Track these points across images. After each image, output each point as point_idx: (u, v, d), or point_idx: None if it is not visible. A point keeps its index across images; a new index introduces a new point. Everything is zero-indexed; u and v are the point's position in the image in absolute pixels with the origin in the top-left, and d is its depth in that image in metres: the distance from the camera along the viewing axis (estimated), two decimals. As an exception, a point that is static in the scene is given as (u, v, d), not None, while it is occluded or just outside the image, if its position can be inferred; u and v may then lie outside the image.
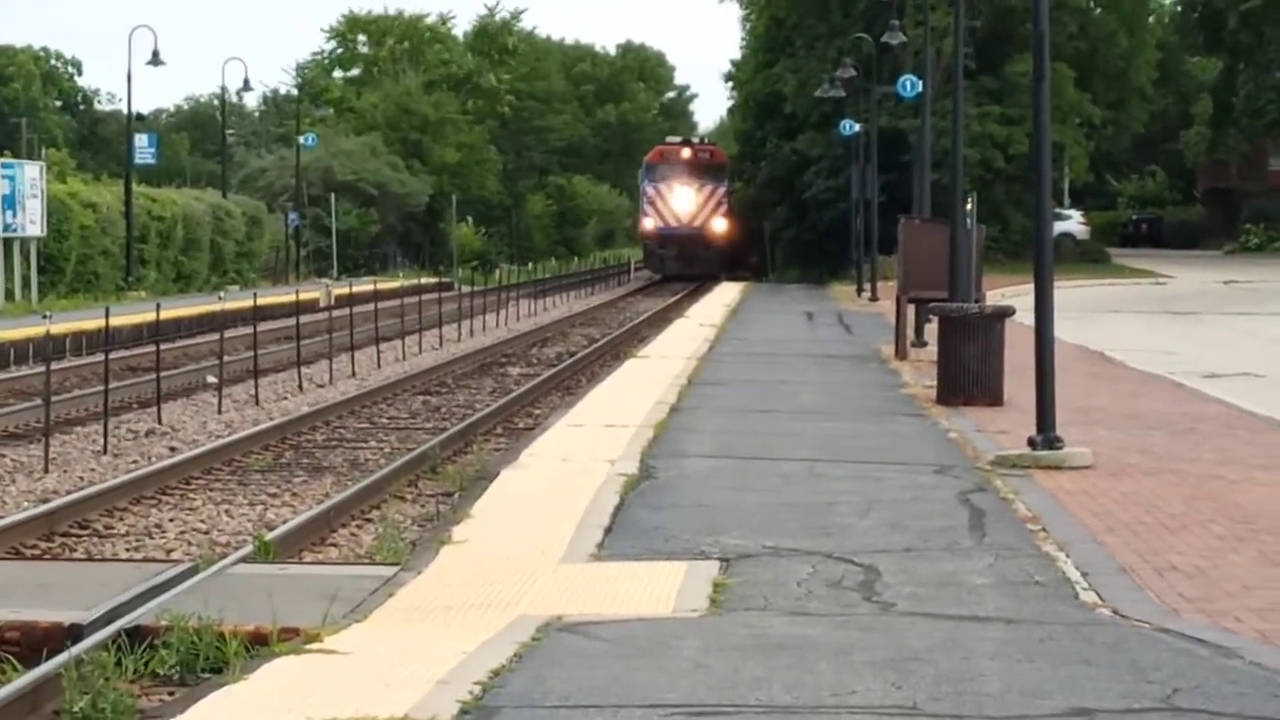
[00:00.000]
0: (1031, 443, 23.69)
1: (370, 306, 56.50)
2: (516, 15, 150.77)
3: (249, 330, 41.71)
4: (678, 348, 42.99)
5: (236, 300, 55.12)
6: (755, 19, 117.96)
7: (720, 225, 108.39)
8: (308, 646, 12.76)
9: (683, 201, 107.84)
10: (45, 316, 39.92)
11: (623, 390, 32.82)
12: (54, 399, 28.92)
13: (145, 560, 18.51)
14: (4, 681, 12.86)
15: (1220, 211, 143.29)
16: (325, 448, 29.34)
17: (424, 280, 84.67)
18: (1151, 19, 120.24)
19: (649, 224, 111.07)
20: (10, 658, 13.53)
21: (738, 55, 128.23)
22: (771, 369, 38.47)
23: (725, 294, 74.08)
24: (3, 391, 35.65)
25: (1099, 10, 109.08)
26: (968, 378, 31.05)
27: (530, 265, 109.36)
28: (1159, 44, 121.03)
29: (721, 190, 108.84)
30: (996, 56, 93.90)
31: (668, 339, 46.51)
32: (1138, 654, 12.81)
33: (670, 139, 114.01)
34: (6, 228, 57.46)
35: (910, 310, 42.20)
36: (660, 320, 54.86)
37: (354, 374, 41.69)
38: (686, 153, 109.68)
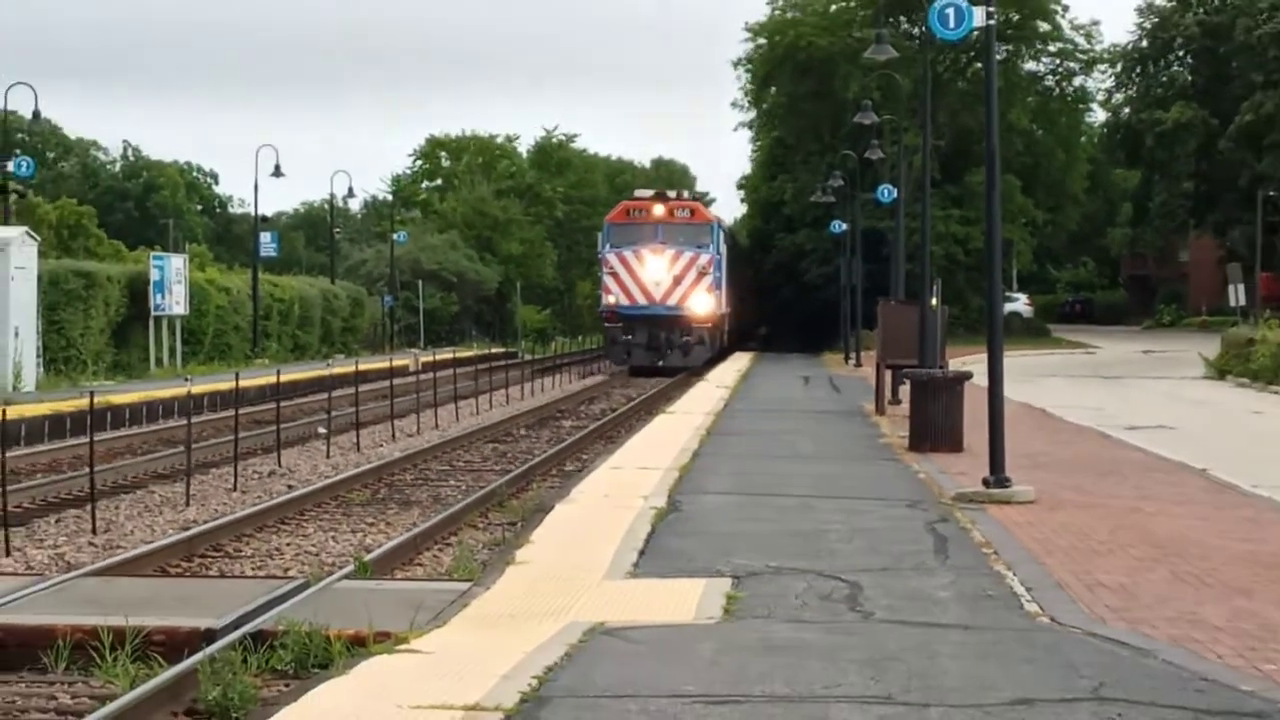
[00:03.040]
0: (985, 482, 23.64)
1: (450, 371, 56.48)
2: (570, 137, 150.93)
3: (352, 390, 41.64)
4: (699, 405, 42.92)
5: (341, 366, 55.01)
6: (762, 140, 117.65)
7: (704, 303, 67.42)
8: (398, 647, 12.76)
9: (654, 272, 66.69)
10: (187, 380, 39.96)
11: (654, 439, 32.76)
12: (194, 446, 28.94)
13: (267, 577, 18.51)
14: (152, 675, 12.86)
15: (1139, 294, 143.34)
16: (413, 485, 29.29)
17: (493, 350, 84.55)
18: (1083, 139, 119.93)
19: (610, 301, 68.95)
20: (158, 656, 13.54)
21: (748, 169, 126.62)
22: (775, 422, 38.40)
23: (738, 361, 73.45)
24: (153, 440, 35.66)
25: (1040, 132, 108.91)
26: (934, 429, 30.98)
27: (580, 338, 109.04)
28: (1089, 159, 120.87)
29: (705, 258, 67.42)
30: (957, 169, 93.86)
31: (691, 398, 46.43)
32: (1071, 654, 12.79)
33: (640, 192, 73.97)
34: (156, 308, 57.49)
35: (888, 375, 42.15)
36: (684, 384, 54.76)
37: (436, 426, 41.63)
38: (659, 209, 68.33)
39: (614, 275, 68.34)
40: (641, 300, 67.15)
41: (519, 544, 18.81)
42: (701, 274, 67.59)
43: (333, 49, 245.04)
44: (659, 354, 67.32)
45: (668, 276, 67.32)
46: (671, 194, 71.91)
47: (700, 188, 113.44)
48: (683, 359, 67.05)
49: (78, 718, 11.88)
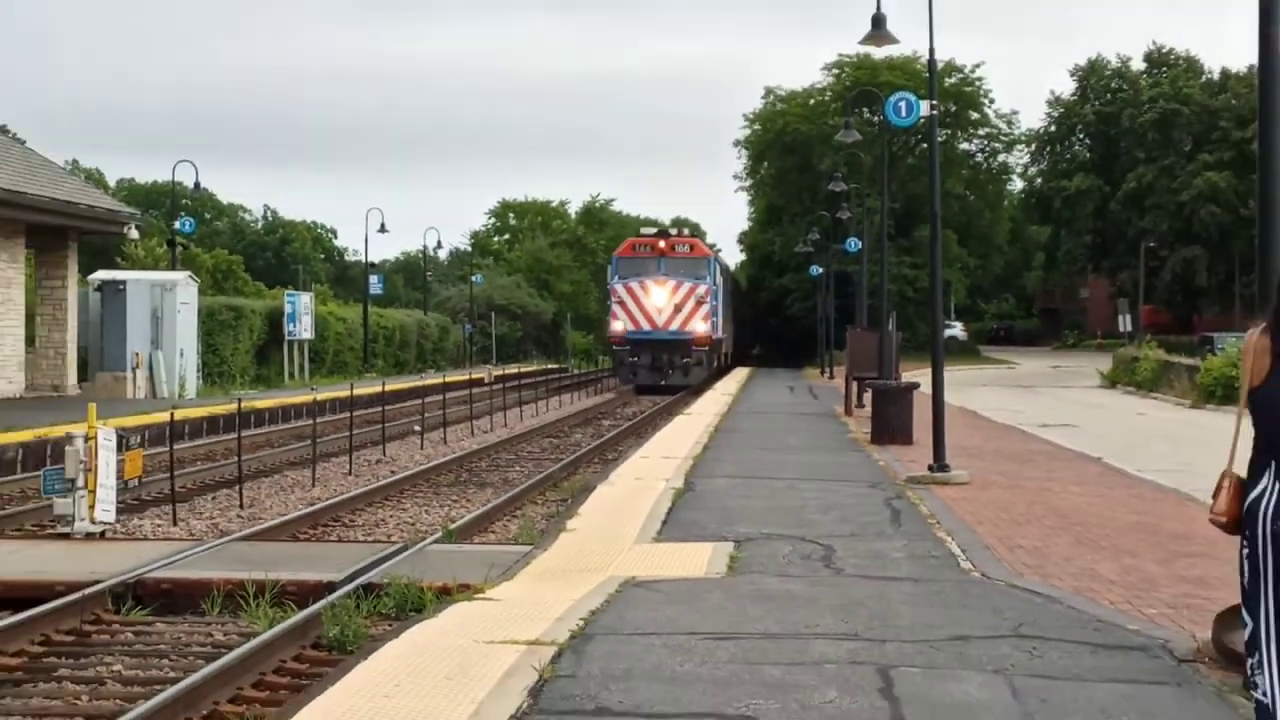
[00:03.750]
0: (930, 468, 23.59)
1: (516, 383, 56.46)
2: (609, 201, 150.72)
3: (440, 397, 41.70)
4: (709, 408, 42.92)
5: (431, 379, 55.14)
6: (757, 203, 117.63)
7: (701, 328, 62.10)
8: (475, 596, 12.77)
9: (657, 301, 61.97)
10: (312, 389, 39.95)
11: (674, 435, 32.78)
12: (318, 440, 28.96)
13: (374, 541, 18.52)
14: (285, 618, 12.88)
15: (1049, 322, 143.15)
16: (487, 471, 29.31)
17: (549, 366, 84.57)
18: (1005, 202, 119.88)
19: (618, 327, 63.59)
20: (290, 603, 13.56)
21: (746, 225, 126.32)
22: (767, 422, 38.38)
23: (738, 375, 73.32)
24: (287, 435, 35.73)
25: (972, 197, 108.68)
26: (890, 427, 30.95)
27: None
28: (1010, 218, 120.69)
29: (703, 288, 62.42)
30: (908, 226, 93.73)
31: (703, 403, 46.39)
32: (997, 601, 12.75)
33: (645, 230, 68.63)
34: (289, 333, 57.63)
35: (854, 385, 42.14)
36: (698, 392, 54.61)
37: (505, 424, 41.64)
38: (662, 244, 63.96)
39: (621, 304, 62.18)
40: (646, 326, 61.03)
41: (569, 516, 18.83)
42: (699, 302, 61.53)
43: (427, 133, 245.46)
44: (662, 374, 60.90)
45: (669, 304, 61.37)
46: (673, 231, 66.04)
47: (709, 241, 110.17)
48: (683, 378, 60.49)
49: (229, 650, 11.89)
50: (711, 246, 70.93)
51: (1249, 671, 7.38)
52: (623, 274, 62.50)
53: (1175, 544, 17.39)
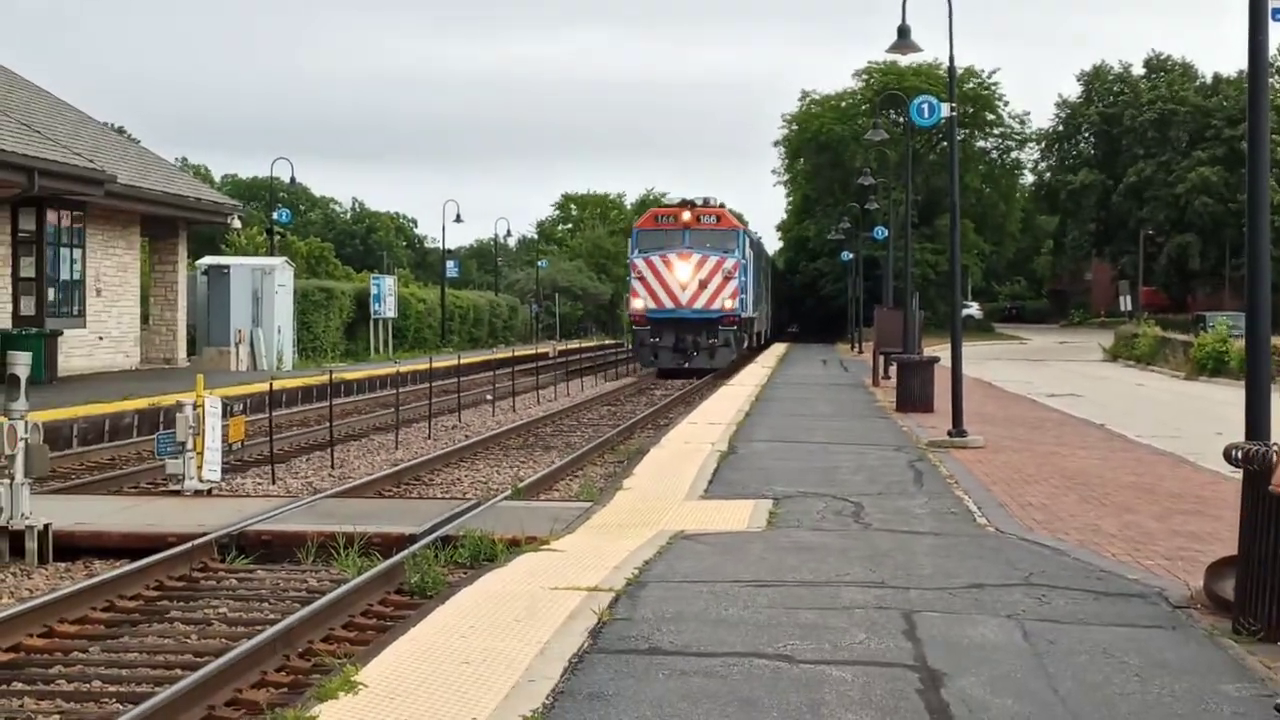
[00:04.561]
0: (949, 433, 23.53)
1: (578, 356, 56.63)
2: (662, 195, 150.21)
3: (510, 369, 41.79)
4: (751, 379, 42.79)
5: (502, 353, 55.23)
6: (793, 195, 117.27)
7: (730, 306, 50.53)
8: (541, 547, 12.79)
9: (681, 277, 49.87)
10: (396, 362, 40.10)
11: (719, 403, 32.72)
12: (400, 407, 29.08)
13: (450, 498, 18.56)
14: (372, 566, 12.94)
15: (1057, 302, 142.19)
16: (552, 436, 29.34)
17: (606, 342, 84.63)
18: (1017, 195, 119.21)
19: (638, 305, 51.04)
20: (376, 553, 13.63)
21: (784, 216, 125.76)
22: (802, 391, 38.31)
23: (777, 350, 72.98)
24: (372, 404, 35.80)
25: (987, 190, 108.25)
26: (913, 396, 30.86)
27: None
28: (1022, 209, 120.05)
29: (731, 262, 50.38)
30: (930, 215, 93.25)
31: (745, 375, 46.09)
32: (1010, 553, 12.73)
33: (668, 199, 54.05)
34: (375, 312, 57.79)
35: (881, 359, 42.05)
36: (741, 364, 54.02)
37: (568, 394, 41.68)
38: (686, 215, 51.11)
39: (642, 279, 50.29)
40: (669, 304, 49.53)
41: (625, 476, 18.84)
42: (727, 278, 49.89)
43: (499, 132, 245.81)
44: (685, 356, 49.57)
45: (694, 280, 49.70)
46: (699, 200, 52.27)
47: (752, 228, 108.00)
48: (709, 361, 49.59)
49: (322, 595, 11.95)
50: (739, 217, 54.66)
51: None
52: (643, 248, 50.70)
53: (1171, 502, 17.34)
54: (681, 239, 49.79)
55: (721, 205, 51.76)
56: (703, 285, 49.26)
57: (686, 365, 48.85)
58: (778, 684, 8.19)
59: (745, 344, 55.81)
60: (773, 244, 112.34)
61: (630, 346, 59.75)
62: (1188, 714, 7.77)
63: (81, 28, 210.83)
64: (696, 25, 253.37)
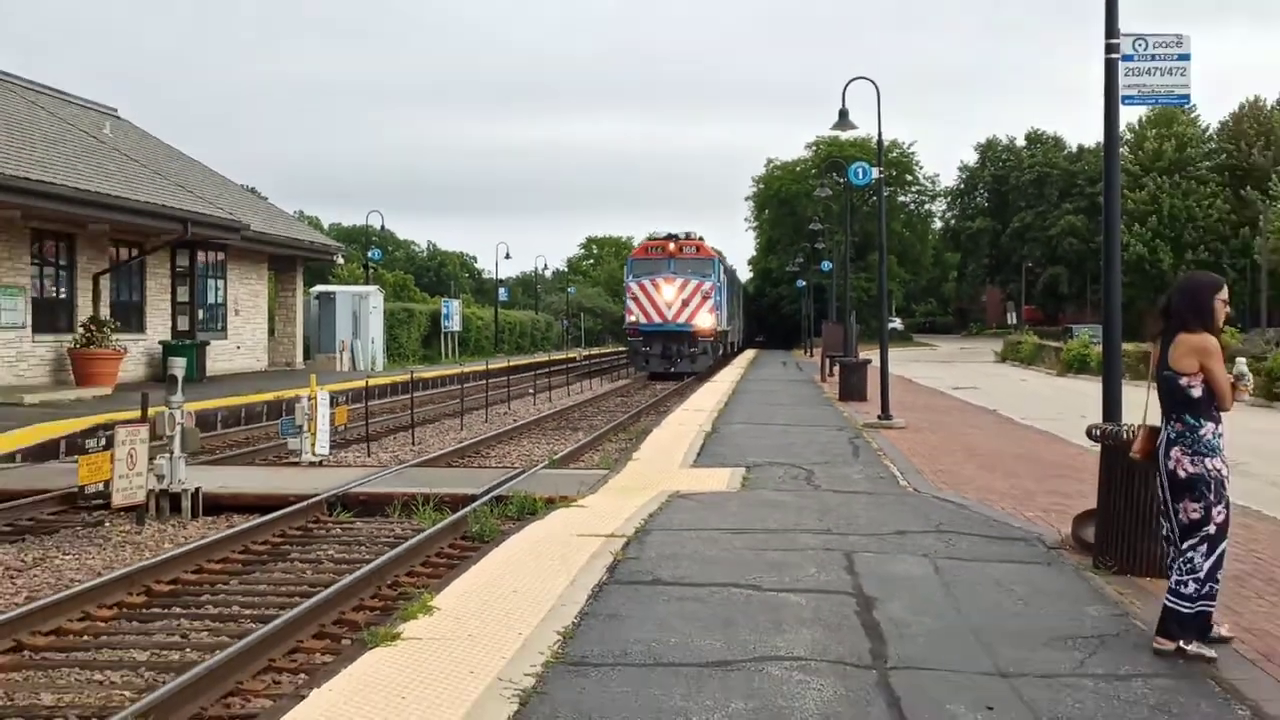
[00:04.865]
0: (879, 417, 23.51)
1: (598, 360, 56.50)
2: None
3: (546, 370, 41.75)
4: (727, 378, 42.61)
5: (541, 358, 55.18)
6: (761, 238, 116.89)
7: (707, 321, 48.28)
8: (571, 504, 12.78)
9: (667, 297, 48.02)
10: (460, 364, 40.05)
11: (704, 396, 32.64)
12: (465, 399, 29.06)
13: (502, 467, 18.52)
14: (443, 519, 12.92)
15: (960, 318, 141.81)
16: (578, 420, 29.28)
17: (620, 349, 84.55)
18: (930, 237, 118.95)
19: (632, 319, 49.06)
20: (446, 509, 13.61)
21: (753, 253, 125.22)
22: (767, 386, 38.26)
23: (748, 355, 72.57)
24: (444, 396, 35.69)
25: (907, 233, 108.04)
26: (851, 389, 30.82)
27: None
28: (933, 247, 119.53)
29: (708, 285, 48.29)
30: (864, 251, 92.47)
31: (722, 375, 45.77)
32: (924, 508, 12.71)
33: (654, 234, 55.00)
34: (445, 327, 57.73)
35: (827, 361, 41.99)
36: (718, 367, 53.91)
37: (590, 389, 41.62)
38: (671, 246, 49.16)
39: (635, 299, 48.01)
40: (657, 319, 47.28)
41: (633, 450, 18.82)
42: (705, 297, 47.51)
43: (539, 189, 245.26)
44: (670, 362, 47.29)
45: (677, 300, 47.36)
46: (681, 234, 50.17)
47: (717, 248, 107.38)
48: (690, 366, 47.19)
49: (405, 540, 11.96)
50: (717, 251, 51.90)
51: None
52: (636, 273, 48.42)
53: (1046, 469, 17.31)
54: (668, 266, 47.32)
55: (700, 238, 49.22)
56: (685, 304, 46.97)
57: (672, 370, 46.45)
58: (749, 607, 8.20)
59: (721, 351, 53.43)
60: (745, 273, 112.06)
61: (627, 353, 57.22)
62: (1061, 628, 7.78)
63: (232, 122, 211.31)
64: (692, 109, 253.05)
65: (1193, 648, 7.20)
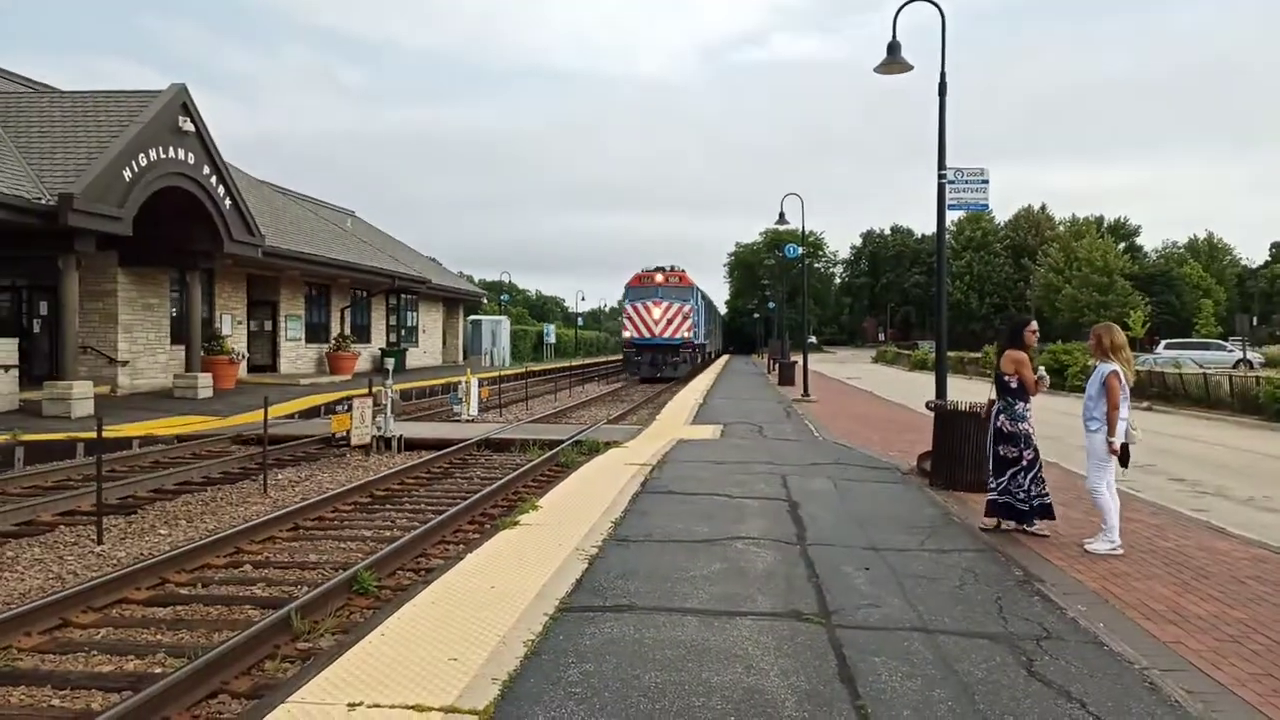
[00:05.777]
0: (802, 396, 23.31)
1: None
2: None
3: (605, 368, 41.29)
4: (709, 374, 42.04)
5: (601, 359, 54.83)
6: (733, 287, 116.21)
7: (686, 336, 38.09)
8: (620, 446, 12.70)
9: (655, 316, 37.98)
10: (525, 366, 39.84)
11: (696, 385, 32.44)
12: (558, 383, 28.96)
13: (578, 424, 18.37)
14: (543, 454, 12.87)
15: (850, 337, 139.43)
16: (625, 397, 29.03)
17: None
18: (833, 287, 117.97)
19: (627, 335, 38.26)
20: (546, 448, 13.51)
21: (729, 297, 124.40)
22: (735, 378, 37.95)
23: (724, 359, 71.47)
24: (546, 382, 34.79)
25: (819, 285, 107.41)
26: (786, 379, 30.61)
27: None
28: (835, 294, 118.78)
29: (688, 307, 38.24)
30: (794, 296, 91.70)
31: (705, 373, 45.03)
32: (830, 451, 12.59)
33: (646, 268, 41.29)
34: (546, 341, 57.49)
35: (773, 361, 41.54)
36: (699, 370, 52.90)
37: (632, 380, 41.50)
38: (659, 277, 39.12)
39: (630, 319, 39.05)
40: (647, 334, 38.46)
41: (655, 415, 18.76)
42: (685, 317, 38.88)
43: (605, 257, 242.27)
44: (658, 369, 38.39)
45: (663, 319, 38.58)
46: (667, 267, 41.31)
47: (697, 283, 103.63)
48: (673, 372, 38.49)
49: (521, 467, 11.96)
50: (695, 282, 42.93)
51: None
52: (631, 298, 40.02)
53: (901, 427, 17.09)
54: (656, 292, 39.46)
55: (683, 270, 41.10)
56: (669, 322, 38.91)
57: (659, 375, 38.71)
58: (725, 508, 8.19)
59: (700, 359, 45.19)
60: (723, 307, 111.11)
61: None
62: (909, 520, 7.74)
63: (421, 218, 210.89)
64: (699, 211, 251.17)
65: (1009, 526, 7.35)
